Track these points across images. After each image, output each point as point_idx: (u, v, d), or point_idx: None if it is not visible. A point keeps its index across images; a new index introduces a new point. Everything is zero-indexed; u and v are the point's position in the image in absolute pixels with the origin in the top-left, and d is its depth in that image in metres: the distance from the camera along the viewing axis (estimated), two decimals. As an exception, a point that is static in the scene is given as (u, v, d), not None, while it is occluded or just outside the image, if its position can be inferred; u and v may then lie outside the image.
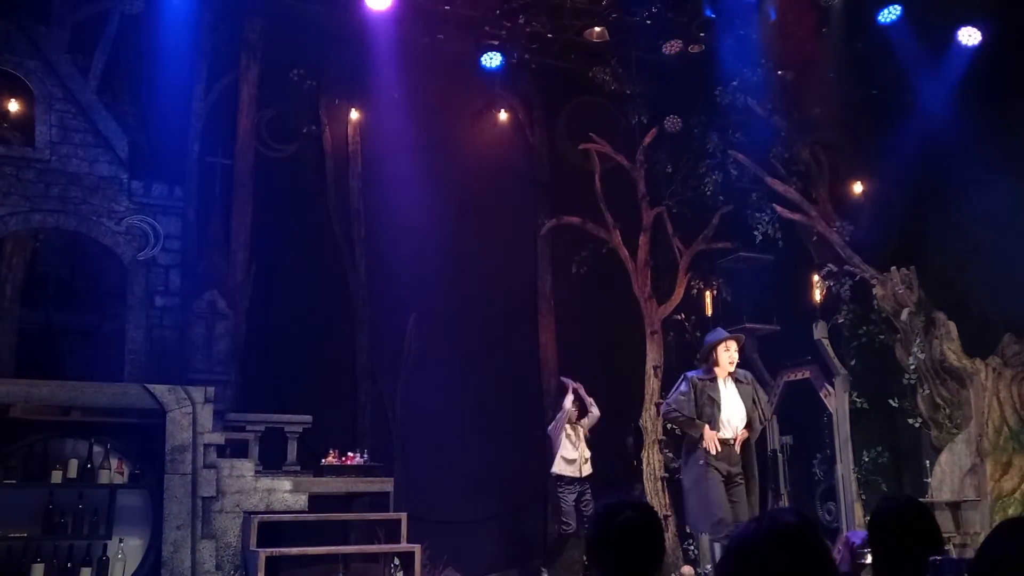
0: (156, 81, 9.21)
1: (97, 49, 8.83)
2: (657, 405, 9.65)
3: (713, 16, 9.14)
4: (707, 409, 6.50)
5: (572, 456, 8.82)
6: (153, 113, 9.23)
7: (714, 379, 6.62)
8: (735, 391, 6.58)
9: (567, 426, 8.92)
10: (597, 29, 9.92)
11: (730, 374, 6.64)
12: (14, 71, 8.36)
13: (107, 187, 8.50)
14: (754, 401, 6.60)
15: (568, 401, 8.92)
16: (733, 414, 6.54)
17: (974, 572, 1.95)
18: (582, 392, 9.05)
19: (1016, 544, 1.85)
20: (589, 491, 8.78)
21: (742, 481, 6.52)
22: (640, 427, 10.04)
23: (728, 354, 6.62)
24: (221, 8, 9.67)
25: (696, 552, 9.06)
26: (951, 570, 2.40)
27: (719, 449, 6.41)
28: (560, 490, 8.81)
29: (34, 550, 6.74)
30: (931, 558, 2.45)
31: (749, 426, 6.62)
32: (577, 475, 8.76)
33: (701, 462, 6.41)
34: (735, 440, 6.53)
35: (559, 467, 8.81)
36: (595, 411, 9.05)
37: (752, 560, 1.71)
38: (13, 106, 8.63)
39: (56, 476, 6.89)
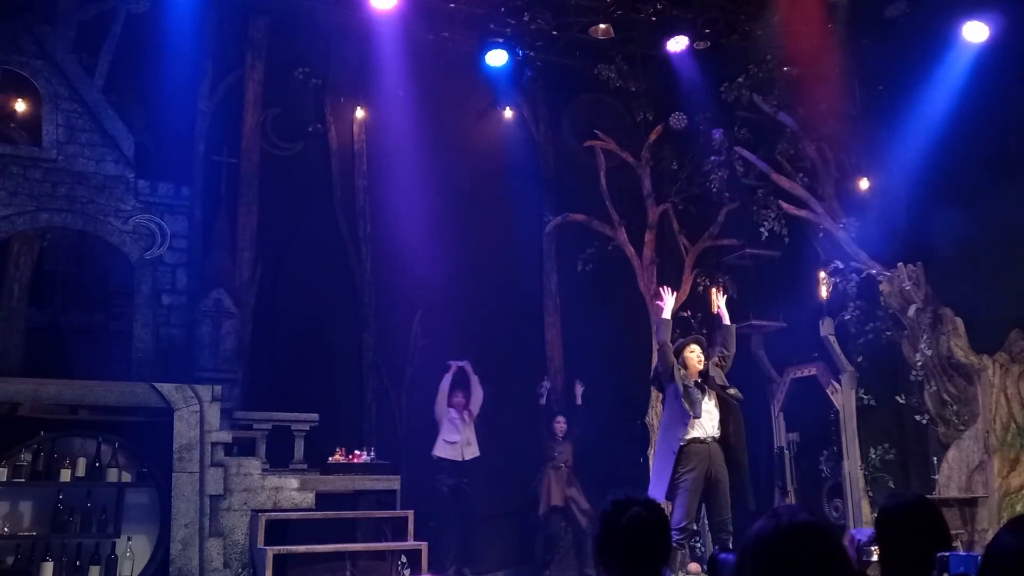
0: (162, 80, 9.22)
1: (103, 48, 8.85)
2: (663, 403, 9.65)
3: None
4: (693, 398, 6.62)
5: (453, 438, 8.99)
6: (159, 112, 9.25)
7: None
8: (708, 391, 6.71)
9: (451, 409, 9.15)
10: (602, 26, 9.90)
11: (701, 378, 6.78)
12: (20, 71, 8.38)
13: (113, 186, 8.52)
14: (719, 396, 6.73)
15: (445, 383, 9.13)
16: (712, 413, 6.65)
17: (985, 571, 1.94)
18: (468, 369, 9.26)
19: None
20: (468, 477, 9.02)
21: (721, 471, 6.62)
22: (646, 424, 10.04)
23: (694, 355, 6.75)
24: (226, 7, 9.68)
25: (703, 549, 9.05)
26: (958, 565, 2.40)
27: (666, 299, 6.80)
28: (437, 475, 8.95)
29: (43, 548, 6.76)
30: (939, 554, 2.45)
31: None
32: (458, 458, 8.93)
33: (686, 467, 6.53)
34: (711, 438, 6.64)
35: (439, 449, 8.99)
36: (478, 390, 9.27)
37: (769, 559, 1.70)
38: (20, 106, 8.65)
39: (64, 475, 6.92)
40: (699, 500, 6.62)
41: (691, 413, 6.59)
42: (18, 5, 8.37)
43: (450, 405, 9.26)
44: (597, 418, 10.08)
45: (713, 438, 6.64)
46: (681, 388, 6.64)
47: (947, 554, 2.44)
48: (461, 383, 9.41)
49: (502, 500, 10.16)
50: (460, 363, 9.34)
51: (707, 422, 6.68)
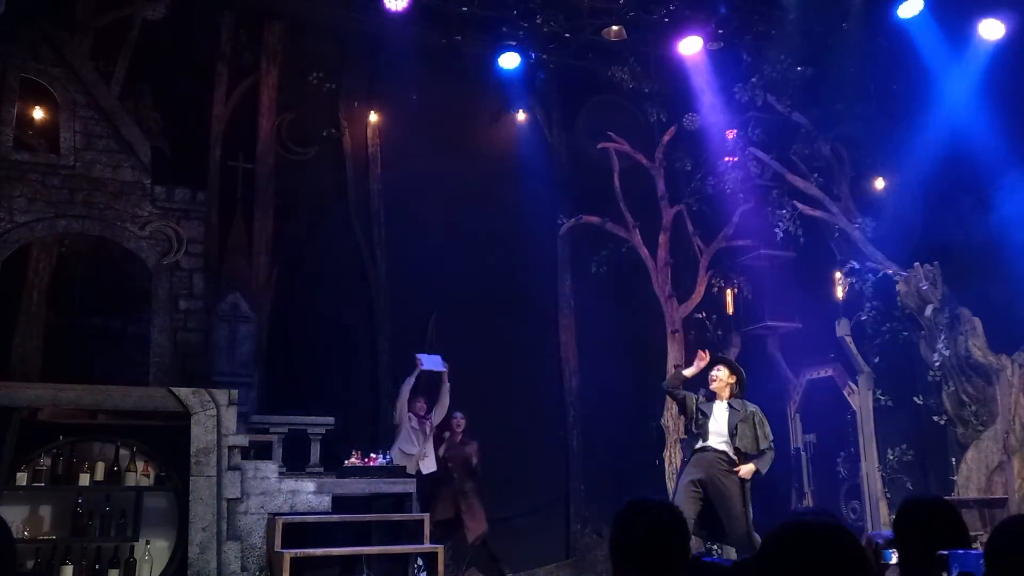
0: (177, 86, 9.30)
1: (119, 55, 8.93)
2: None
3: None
4: (700, 419, 6.85)
5: (410, 450, 8.59)
6: (175, 118, 9.32)
7: (711, 398, 6.95)
8: (725, 413, 6.78)
9: (411, 416, 8.70)
10: (615, 28, 9.90)
11: (729, 401, 6.82)
12: (38, 79, 8.47)
13: (131, 192, 8.58)
14: (736, 426, 6.72)
15: (407, 385, 8.68)
16: (720, 429, 6.78)
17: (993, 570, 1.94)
18: (445, 375, 8.80)
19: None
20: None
21: (723, 481, 6.63)
22: (662, 426, 10.01)
23: (722, 374, 6.92)
24: (241, 12, 9.75)
25: (721, 553, 9.02)
26: (961, 564, 2.37)
27: (701, 364, 6.88)
28: None
29: (63, 552, 6.81)
30: (938, 552, 2.42)
31: (740, 455, 6.70)
32: (412, 472, 8.41)
33: (685, 462, 6.68)
34: (725, 453, 6.72)
35: (396, 459, 8.38)
36: (446, 399, 8.81)
37: (786, 563, 1.70)
38: (38, 113, 8.73)
39: (83, 479, 6.96)
40: (697, 506, 6.63)
41: (699, 434, 6.82)
42: (36, 13, 8.46)
43: (411, 411, 8.77)
44: (612, 420, 10.07)
45: (722, 450, 6.71)
46: (692, 419, 6.82)
47: (946, 552, 2.40)
48: (425, 386, 8.91)
49: (525, 499, 10.16)
50: (436, 367, 8.77)
51: (716, 440, 6.76)
